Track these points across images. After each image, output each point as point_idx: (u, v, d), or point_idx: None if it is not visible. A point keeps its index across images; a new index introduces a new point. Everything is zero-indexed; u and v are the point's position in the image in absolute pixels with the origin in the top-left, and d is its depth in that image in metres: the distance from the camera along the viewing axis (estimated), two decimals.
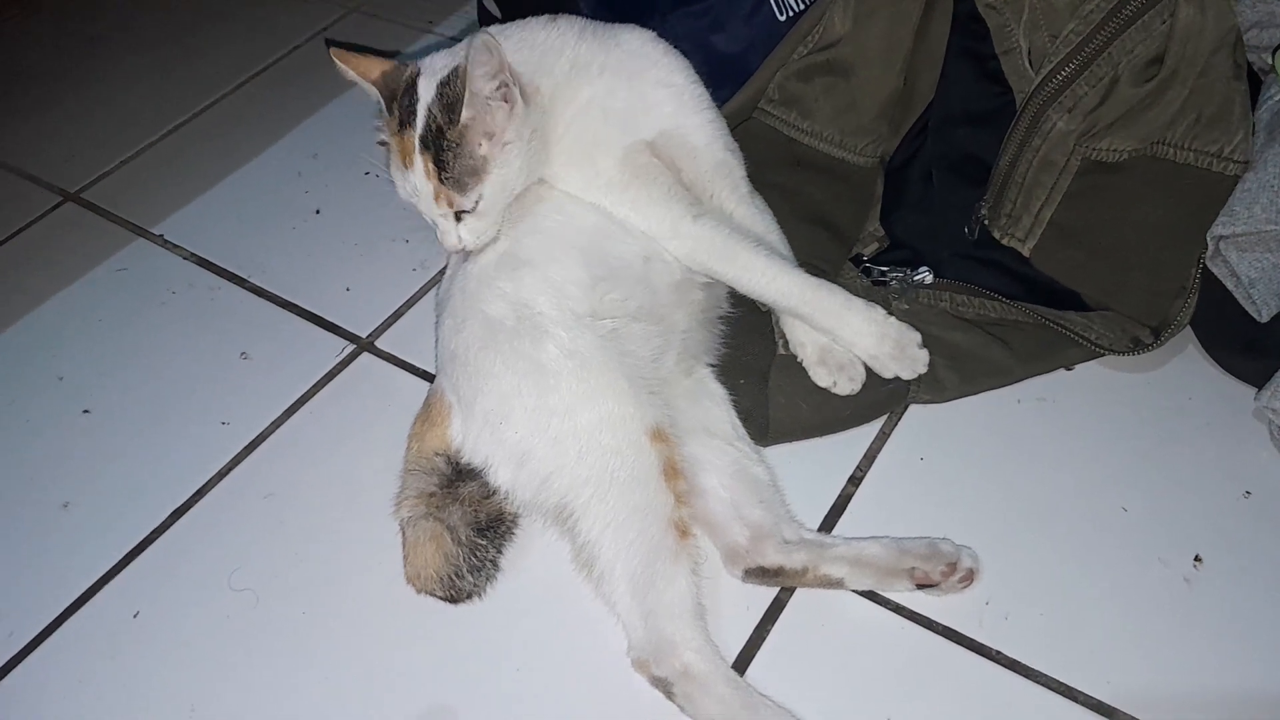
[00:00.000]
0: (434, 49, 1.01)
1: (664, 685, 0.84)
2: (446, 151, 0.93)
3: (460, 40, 1.01)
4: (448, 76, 0.93)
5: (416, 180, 0.95)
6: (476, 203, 0.95)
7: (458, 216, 0.96)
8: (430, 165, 0.93)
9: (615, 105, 0.99)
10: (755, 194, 1.05)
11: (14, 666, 0.93)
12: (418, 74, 0.96)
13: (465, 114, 0.91)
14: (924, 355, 0.98)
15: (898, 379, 0.99)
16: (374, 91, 0.98)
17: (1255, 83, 1.03)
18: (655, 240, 0.99)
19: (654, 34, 1.04)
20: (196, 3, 1.81)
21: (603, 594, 0.88)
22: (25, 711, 0.91)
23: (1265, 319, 0.97)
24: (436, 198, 0.95)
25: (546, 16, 1.02)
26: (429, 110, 0.93)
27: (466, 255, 0.98)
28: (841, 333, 0.97)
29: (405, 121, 0.94)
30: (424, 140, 0.93)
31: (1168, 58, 0.96)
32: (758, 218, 1.04)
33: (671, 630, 0.84)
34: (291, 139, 1.48)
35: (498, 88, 0.91)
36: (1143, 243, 1.00)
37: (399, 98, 0.95)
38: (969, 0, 1.08)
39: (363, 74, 0.98)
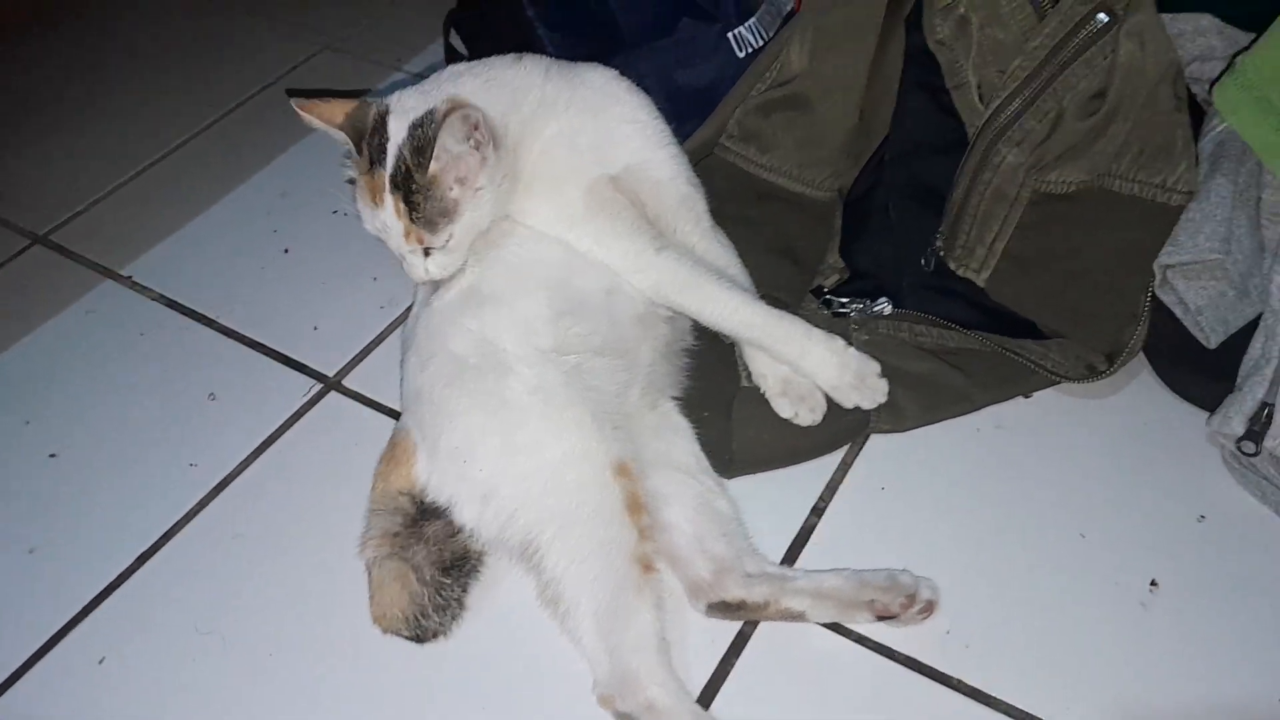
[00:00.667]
0: (402, 86, 1.01)
1: None
2: (417, 194, 0.93)
3: (428, 77, 1.02)
4: (420, 118, 0.94)
5: (386, 218, 0.95)
6: (447, 241, 0.96)
7: (426, 252, 0.97)
8: (401, 205, 0.94)
9: (581, 140, 1.00)
10: (717, 229, 1.07)
11: None
12: (387, 112, 0.96)
13: (433, 166, 0.92)
14: (884, 385, 0.99)
15: (858, 409, 1.00)
16: (340, 136, 0.98)
17: (1199, 114, 1.05)
18: (619, 273, 1.00)
19: (617, 72, 1.06)
20: (163, 43, 1.81)
21: (568, 630, 0.88)
22: None
23: (1214, 345, 0.99)
24: (407, 236, 0.95)
25: (512, 55, 1.04)
26: (399, 151, 0.94)
27: (434, 285, 0.99)
28: (803, 363, 0.98)
29: (375, 160, 0.95)
30: (394, 180, 0.94)
31: (1110, 92, 0.98)
32: (720, 251, 1.05)
33: (636, 665, 0.84)
34: (260, 178, 1.49)
35: (473, 146, 0.93)
36: (1093, 272, 1.02)
37: (368, 136, 0.96)
38: (921, 35, 1.10)
39: (327, 120, 0.98)
